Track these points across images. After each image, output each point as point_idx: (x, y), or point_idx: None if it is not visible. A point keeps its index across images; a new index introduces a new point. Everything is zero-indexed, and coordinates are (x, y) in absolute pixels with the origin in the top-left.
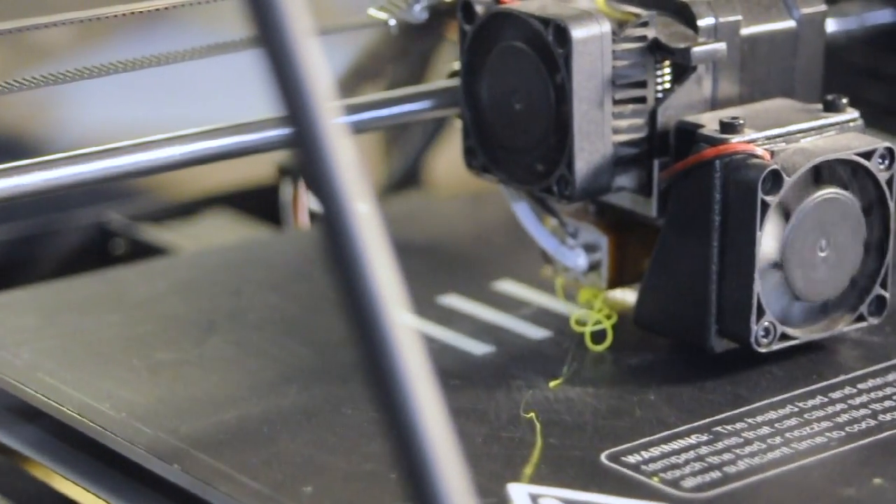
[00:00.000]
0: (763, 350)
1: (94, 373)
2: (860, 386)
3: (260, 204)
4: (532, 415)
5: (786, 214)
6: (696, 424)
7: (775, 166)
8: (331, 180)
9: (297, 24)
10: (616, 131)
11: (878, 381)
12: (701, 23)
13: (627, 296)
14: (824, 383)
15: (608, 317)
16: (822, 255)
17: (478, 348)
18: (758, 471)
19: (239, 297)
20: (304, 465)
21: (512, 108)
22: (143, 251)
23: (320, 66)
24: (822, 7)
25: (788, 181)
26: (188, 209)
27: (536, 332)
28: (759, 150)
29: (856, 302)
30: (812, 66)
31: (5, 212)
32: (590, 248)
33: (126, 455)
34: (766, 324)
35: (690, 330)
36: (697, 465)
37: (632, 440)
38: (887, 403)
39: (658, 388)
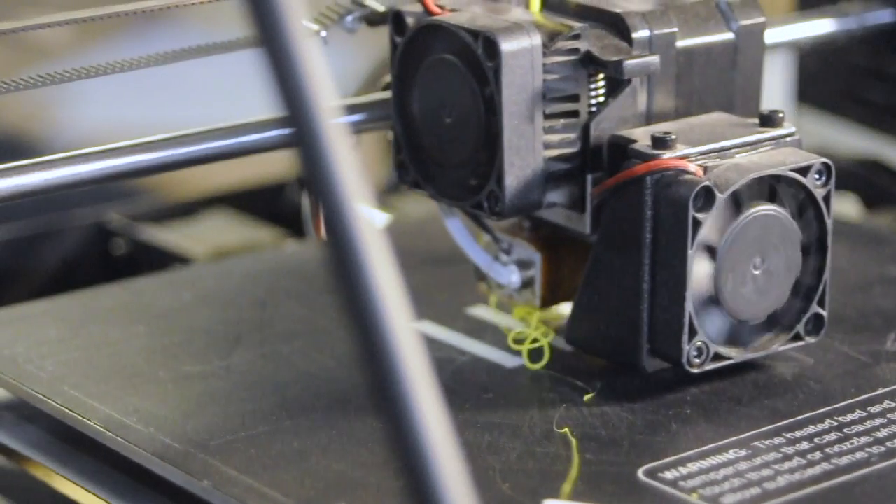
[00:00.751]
0: (696, 371)
1: (120, 386)
2: None
3: (261, 204)
4: (566, 430)
5: (720, 232)
6: (734, 439)
7: (707, 183)
8: (331, 180)
9: (297, 24)
10: (547, 146)
11: None
12: (635, 35)
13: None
14: (863, 397)
15: (545, 335)
16: (757, 273)
17: (509, 361)
18: (797, 487)
19: (265, 308)
20: (337, 480)
21: (442, 121)
22: (144, 251)
23: (320, 66)
24: (761, 19)
25: (721, 198)
26: (188, 209)
27: (567, 345)
28: (692, 167)
29: (793, 321)
30: (751, 79)
31: (5, 212)
32: (524, 265)
33: (156, 471)
34: (699, 344)
35: (622, 349)
36: (737, 481)
37: (669, 455)
38: None
39: (694, 402)
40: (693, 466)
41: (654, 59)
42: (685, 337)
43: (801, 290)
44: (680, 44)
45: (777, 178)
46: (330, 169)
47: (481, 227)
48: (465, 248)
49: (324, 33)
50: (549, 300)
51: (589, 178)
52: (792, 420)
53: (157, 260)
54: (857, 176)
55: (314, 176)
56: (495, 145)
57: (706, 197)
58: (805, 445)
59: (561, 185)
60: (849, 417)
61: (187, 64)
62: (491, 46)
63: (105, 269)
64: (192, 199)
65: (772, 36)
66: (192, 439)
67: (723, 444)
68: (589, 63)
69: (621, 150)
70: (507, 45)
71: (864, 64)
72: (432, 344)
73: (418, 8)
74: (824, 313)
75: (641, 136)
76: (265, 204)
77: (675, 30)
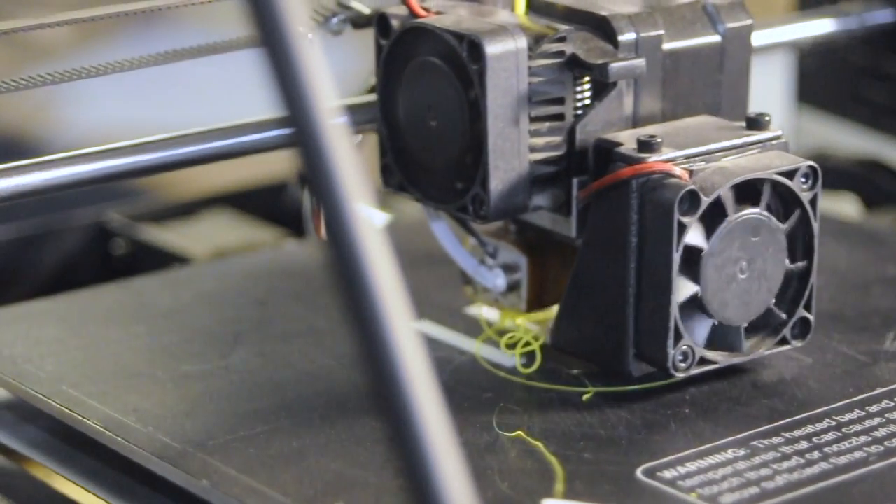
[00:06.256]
0: (681, 375)
1: (120, 385)
2: None
3: (260, 204)
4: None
5: (705, 235)
6: (732, 439)
7: (692, 186)
8: (331, 180)
9: (297, 24)
10: (533, 149)
11: None
12: (621, 38)
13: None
14: (862, 396)
15: (535, 338)
16: (743, 276)
17: (507, 360)
18: (796, 487)
19: (264, 307)
20: (335, 480)
21: (428, 124)
22: (144, 251)
23: (320, 66)
24: (749, 21)
25: (706, 201)
26: (188, 209)
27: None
28: (677, 170)
29: (779, 325)
30: (739, 81)
31: (5, 212)
32: (509, 269)
33: (155, 471)
34: (684, 348)
35: (608, 353)
36: (735, 481)
37: (667, 455)
38: None
39: (692, 401)
40: (691, 466)
41: (640, 61)
42: (670, 341)
43: (787, 294)
44: (666, 46)
45: (763, 182)
46: (330, 169)
47: (467, 230)
48: (450, 251)
49: (310, 35)
50: (534, 304)
51: (575, 181)
52: (790, 420)
53: (157, 260)
54: (857, 176)
55: (314, 176)
56: (480, 148)
57: (691, 200)
58: (803, 445)
59: (546, 188)
60: (847, 417)
61: (187, 64)
62: (476, 49)
63: (105, 269)
64: (192, 199)
65: (772, 36)
66: (191, 439)
67: (721, 443)
68: (574, 66)
69: (607, 153)
70: (491, 48)
71: (864, 64)
72: (432, 343)
73: (403, 10)
74: (811, 317)
75: (627, 140)
76: (265, 204)
77: (662, 32)
